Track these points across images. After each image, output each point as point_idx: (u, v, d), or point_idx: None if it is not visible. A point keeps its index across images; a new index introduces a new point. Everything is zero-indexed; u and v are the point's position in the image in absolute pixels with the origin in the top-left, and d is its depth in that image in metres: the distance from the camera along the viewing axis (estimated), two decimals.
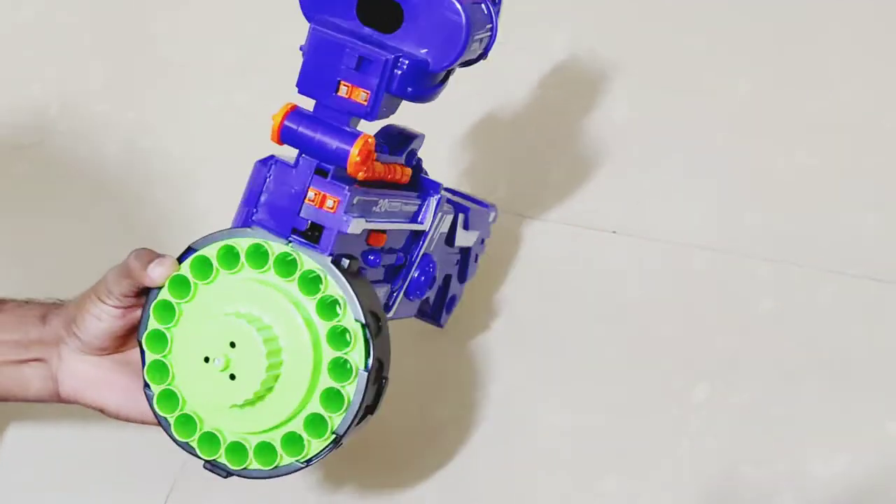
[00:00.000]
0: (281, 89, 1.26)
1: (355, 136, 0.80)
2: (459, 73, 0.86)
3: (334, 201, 0.81)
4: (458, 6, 0.80)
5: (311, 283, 0.81)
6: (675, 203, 1.13)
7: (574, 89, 1.25)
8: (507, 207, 1.15)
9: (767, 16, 1.28)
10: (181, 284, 0.83)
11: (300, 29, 1.30)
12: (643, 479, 1.01)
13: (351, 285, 0.80)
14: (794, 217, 1.15)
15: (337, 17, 0.82)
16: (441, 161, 1.18)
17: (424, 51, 0.81)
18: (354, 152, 0.80)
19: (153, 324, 0.84)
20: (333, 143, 0.80)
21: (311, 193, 0.81)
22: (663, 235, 1.13)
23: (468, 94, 1.21)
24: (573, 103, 1.24)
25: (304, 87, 0.82)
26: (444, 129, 1.19)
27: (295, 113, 0.82)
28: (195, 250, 0.83)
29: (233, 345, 0.79)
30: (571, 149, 1.21)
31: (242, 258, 0.81)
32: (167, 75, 1.28)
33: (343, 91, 0.81)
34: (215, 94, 1.26)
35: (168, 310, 0.83)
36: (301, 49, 0.82)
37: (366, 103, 0.80)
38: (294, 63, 1.26)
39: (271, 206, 0.82)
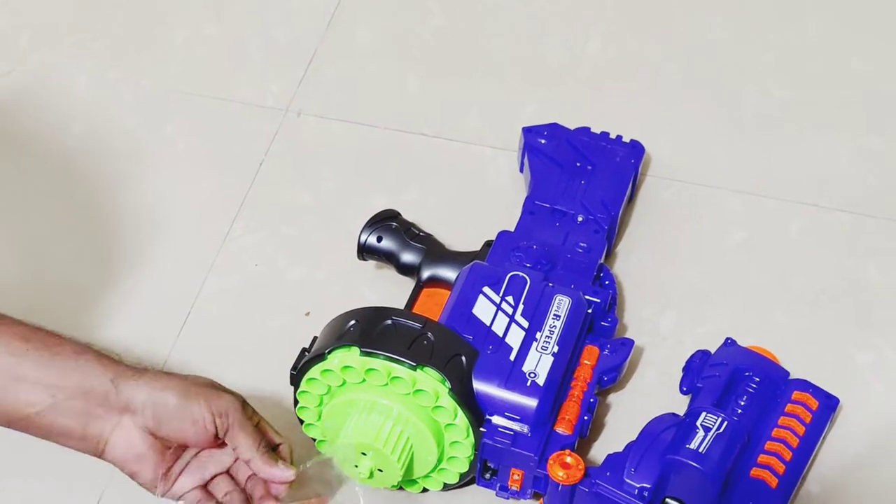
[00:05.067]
0: (250, 23, 1.27)
1: None
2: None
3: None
4: None
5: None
6: (647, 134, 1.12)
7: (552, 24, 1.25)
8: (479, 140, 1.16)
9: None
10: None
11: None
12: (609, 406, 1.01)
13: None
14: (765, 149, 1.15)
15: None
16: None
17: None
18: None
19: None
20: None
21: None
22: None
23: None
24: (550, 29, 1.23)
25: None
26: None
27: None
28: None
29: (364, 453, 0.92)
30: (547, 81, 1.21)
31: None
32: (137, 7, 1.27)
33: None
34: (185, 27, 1.26)
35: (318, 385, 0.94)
36: None
37: None
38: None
39: None
